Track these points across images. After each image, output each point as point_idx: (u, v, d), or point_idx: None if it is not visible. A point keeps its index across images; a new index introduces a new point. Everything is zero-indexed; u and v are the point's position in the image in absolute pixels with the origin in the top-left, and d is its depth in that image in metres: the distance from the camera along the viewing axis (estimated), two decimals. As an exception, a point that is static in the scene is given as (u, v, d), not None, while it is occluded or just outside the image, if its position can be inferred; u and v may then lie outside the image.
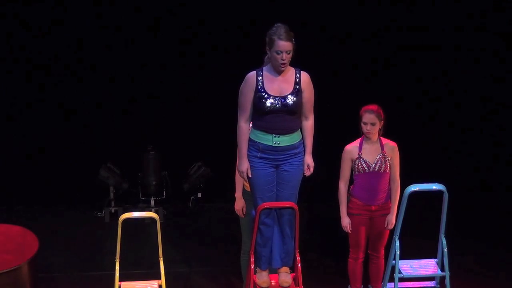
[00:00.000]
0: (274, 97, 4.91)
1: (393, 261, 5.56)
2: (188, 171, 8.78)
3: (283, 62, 4.87)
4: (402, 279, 5.64)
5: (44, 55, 8.76)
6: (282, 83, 4.95)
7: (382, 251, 5.83)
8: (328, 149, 6.98)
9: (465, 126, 9.30)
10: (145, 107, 9.00)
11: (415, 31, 9.04)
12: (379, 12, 8.95)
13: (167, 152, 8.69)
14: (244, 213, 5.57)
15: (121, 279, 5.23)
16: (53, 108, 8.87)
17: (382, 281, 5.81)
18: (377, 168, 5.63)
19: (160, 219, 5.26)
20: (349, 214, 5.73)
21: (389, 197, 5.73)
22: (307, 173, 5.08)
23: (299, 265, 5.13)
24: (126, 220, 5.15)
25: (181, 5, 8.82)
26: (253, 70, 5.01)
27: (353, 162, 5.69)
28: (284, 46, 4.85)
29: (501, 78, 9.20)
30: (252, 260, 5.18)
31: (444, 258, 5.58)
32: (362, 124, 5.65)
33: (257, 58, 8.58)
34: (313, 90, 5.04)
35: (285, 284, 5.15)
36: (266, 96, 4.91)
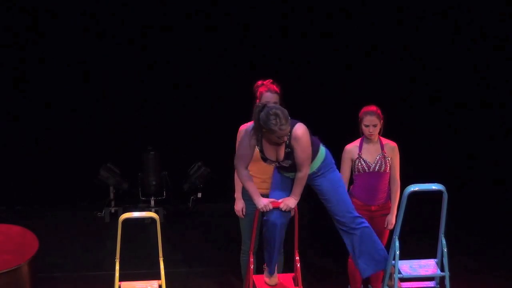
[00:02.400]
0: (272, 161, 4.98)
1: (393, 261, 5.56)
2: (188, 171, 8.78)
3: (283, 141, 4.85)
4: (402, 279, 5.64)
5: (43, 55, 8.75)
6: (277, 148, 4.94)
7: (382, 251, 5.81)
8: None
9: (465, 126, 9.29)
10: (145, 107, 9.00)
11: (415, 31, 9.04)
12: (379, 12, 8.94)
13: (167, 152, 8.69)
14: (244, 213, 5.57)
15: (121, 279, 5.22)
16: (53, 107, 8.86)
17: (382, 281, 5.80)
18: (377, 168, 5.63)
19: (160, 219, 5.26)
20: (349, 214, 5.72)
21: (389, 197, 5.73)
22: (284, 207, 5.02)
23: (298, 265, 5.14)
24: (126, 220, 5.14)
25: (180, 6, 8.83)
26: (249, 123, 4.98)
27: (353, 162, 5.68)
28: (285, 133, 4.77)
29: (500, 79, 9.20)
30: (252, 260, 5.19)
31: (444, 258, 5.56)
32: (364, 127, 5.62)
33: (255, 59, 8.66)
34: (304, 145, 4.87)
35: (273, 283, 5.23)
36: (265, 158, 4.99)
